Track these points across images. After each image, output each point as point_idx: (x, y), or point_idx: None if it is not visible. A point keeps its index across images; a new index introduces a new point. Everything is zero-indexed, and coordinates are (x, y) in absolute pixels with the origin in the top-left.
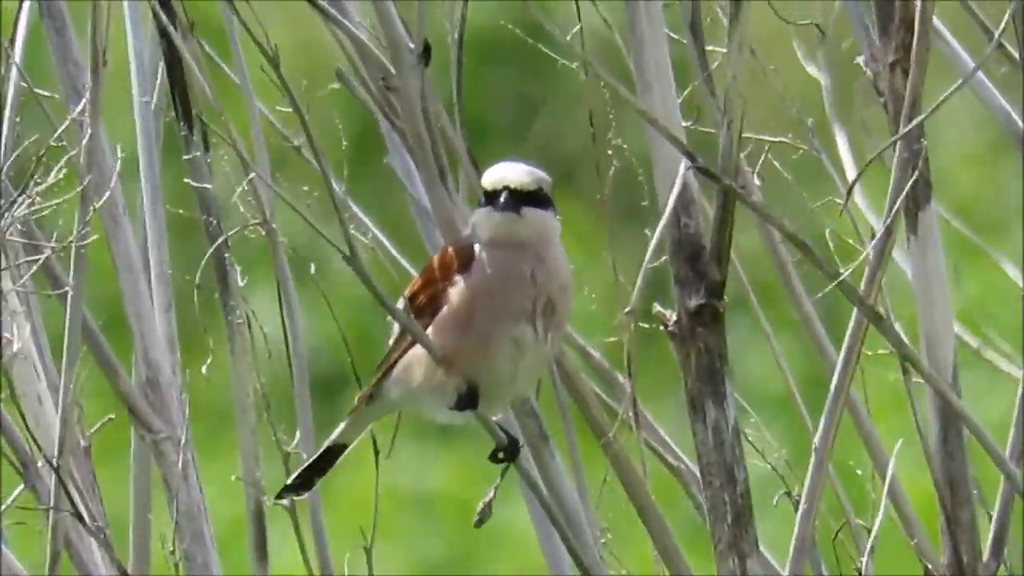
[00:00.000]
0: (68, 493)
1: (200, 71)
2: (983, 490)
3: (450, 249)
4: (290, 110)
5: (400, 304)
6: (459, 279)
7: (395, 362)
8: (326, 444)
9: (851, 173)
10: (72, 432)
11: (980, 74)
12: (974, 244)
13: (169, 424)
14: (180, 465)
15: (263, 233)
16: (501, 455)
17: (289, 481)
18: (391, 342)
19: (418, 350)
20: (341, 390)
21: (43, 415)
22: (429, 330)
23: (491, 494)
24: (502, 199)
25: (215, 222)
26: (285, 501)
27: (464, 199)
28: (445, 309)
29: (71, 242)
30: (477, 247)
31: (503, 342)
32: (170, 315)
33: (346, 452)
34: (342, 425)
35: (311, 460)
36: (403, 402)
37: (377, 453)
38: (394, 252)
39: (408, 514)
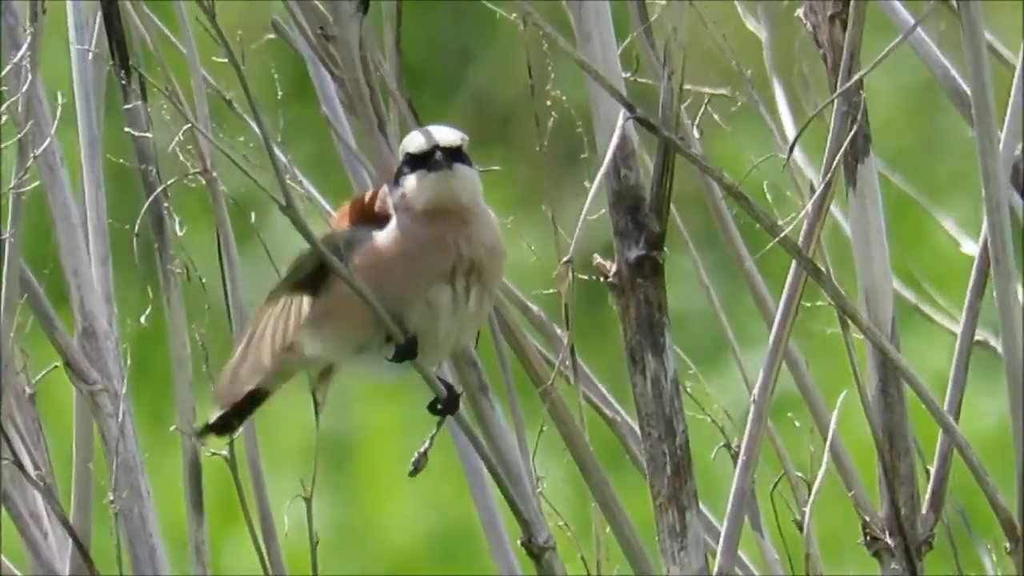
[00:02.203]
0: (8, 441)
1: (141, 19)
2: (921, 443)
3: (367, 198)
4: (226, 61)
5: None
6: (372, 236)
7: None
8: (248, 388)
9: (789, 128)
10: (10, 380)
11: (918, 28)
12: (910, 198)
13: (105, 375)
14: (119, 417)
15: (203, 183)
16: (440, 406)
17: (211, 420)
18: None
19: (341, 303)
20: None
21: None
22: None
23: (427, 443)
24: (438, 156)
25: (154, 171)
26: (224, 452)
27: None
28: (362, 260)
29: (10, 190)
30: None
31: (415, 304)
32: (107, 266)
33: (267, 400)
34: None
35: (233, 404)
36: (327, 358)
37: (316, 404)
38: (327, 205)
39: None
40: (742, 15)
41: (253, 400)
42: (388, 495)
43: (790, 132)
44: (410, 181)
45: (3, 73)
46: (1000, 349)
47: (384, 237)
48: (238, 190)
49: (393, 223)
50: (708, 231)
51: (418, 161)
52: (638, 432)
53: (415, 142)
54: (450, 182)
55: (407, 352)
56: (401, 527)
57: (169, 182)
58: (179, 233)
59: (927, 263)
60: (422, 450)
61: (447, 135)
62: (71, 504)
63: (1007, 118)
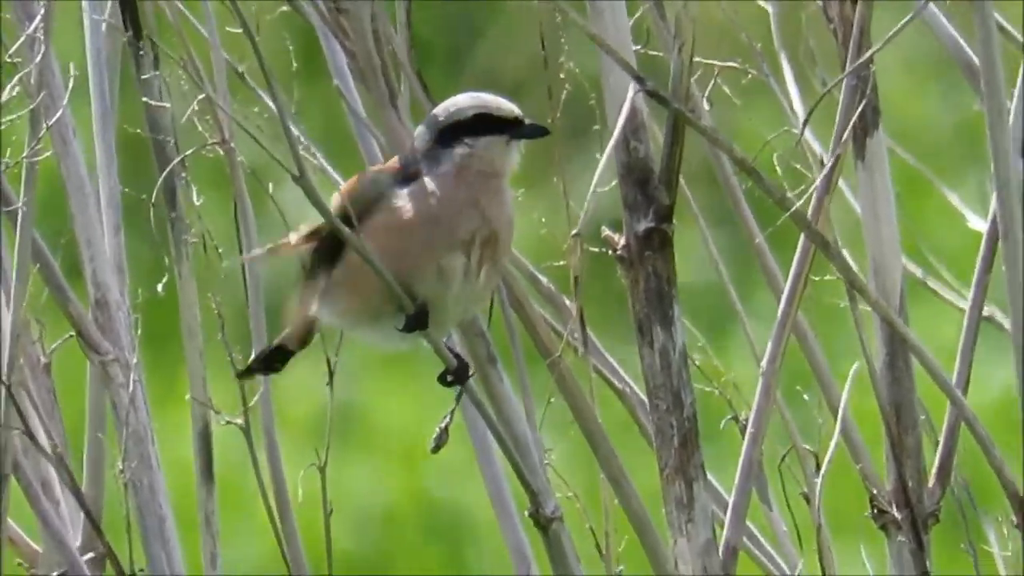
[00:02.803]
0: (20, 411)
1: None
2: (930, 415)
3: (393, 161)
4: (240, 31)
5: (335, 200)
6: (401, 194)
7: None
8: (275, 343)
9: (796, 102)
10: (24, 349)
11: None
12: (919, 172)
13: (117, 346)
14: (130, 387)
15: (221, 152)
16: (450, 378)
17: (252, 363)
18: (301, 235)
19: (354, 271)
20: None
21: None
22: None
23: (447, 419)
24: (528, 129)
25: (172, 142)
26: (239, 420)
27: (411, 121)
28: (377, 223)
29: (23, 159)
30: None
31: (428, 269)
32: (119, 237)
33: (293, 357)
34: (285, 331)
35: (268, 350)
36: (340, 326)
37: (331, 374)
38: (338, 176)
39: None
40: None
41: (280, 355)
42: (395, 463)
43: (797, 107)
44: (490, 143)
45: (19, 42)
46: (1007, 324)
47: (415, 195)
48: (252, 161)
49: (425, 181)
50: (718, 205)
51: (497, 125)
52: (647, 404)
53: (502, 106)
54: (517, 152)
55: (417, 322)
56: (405, 495)
57: (188, 152)
58: (196, 203)
59: (936, 238)
60: (443, 425)
61: (512, 105)
62: (83, 475)
63: (1015, 94)
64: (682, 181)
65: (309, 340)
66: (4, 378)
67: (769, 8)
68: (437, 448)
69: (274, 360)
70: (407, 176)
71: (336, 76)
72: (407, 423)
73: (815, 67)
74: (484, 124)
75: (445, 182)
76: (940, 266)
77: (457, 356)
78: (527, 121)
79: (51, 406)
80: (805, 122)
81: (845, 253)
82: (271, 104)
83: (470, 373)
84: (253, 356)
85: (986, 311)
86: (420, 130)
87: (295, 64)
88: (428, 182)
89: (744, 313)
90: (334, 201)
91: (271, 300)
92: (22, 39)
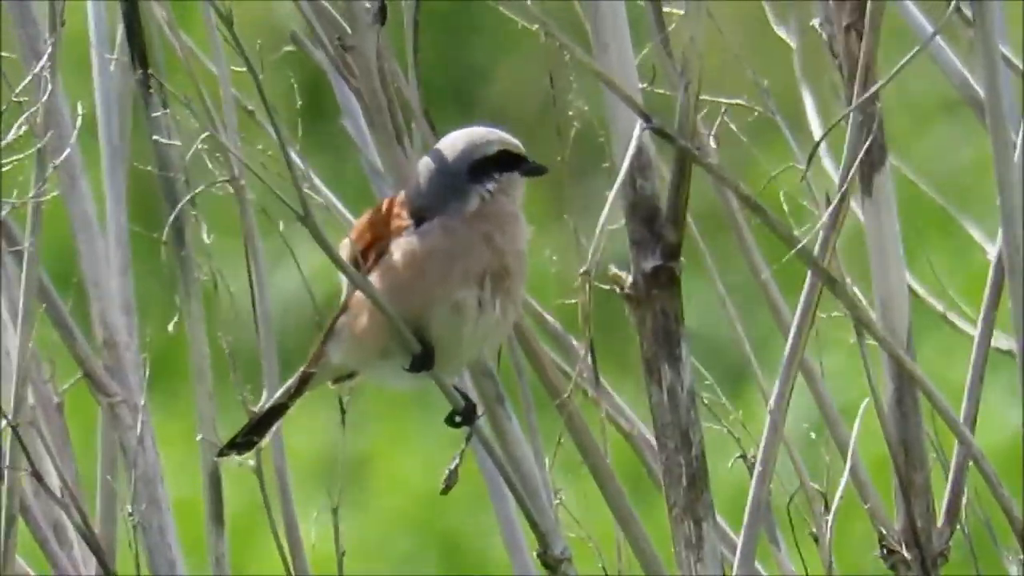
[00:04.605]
0: (27, 452)
1: (170, 28)
2: (942, 453)
3: (400, 198)
4: (244, 70)
5: (345, 246)
6: (410, 235)
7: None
8: (269, 403)
9: (818, 135)
10: (37, 389)
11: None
12: (935, 206)
13: (125, 387)
14: (138, 429)
15: (231, 191)
16: (458, 419)
17: (236, 439)
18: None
19: (362, 310)
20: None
21: (10, 374)
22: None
23: (456, 460)
24: (534, 166)
25: (183, 179)
26: (245, 458)
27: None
28: (390, 262)
29: (29, 199)
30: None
31: (442, 306)
32: (127, 277)
33: (285, 414)
34: (285, 386)
35: (255, 420)
36: (349, 365)
37: (343, 412)
38: (347, 213)
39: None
40: (772, 23)
41: (270, 418)
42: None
43: (815, 140)
44: (511, 178)
45: (26, 81)
46: None
47: (428, 233)
48: (262, 199)
49: (437, 221)
50: (725, 243)
51: (512, 161)
52: (655, 445)
53: (506, 142)
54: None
55: (423, 362)
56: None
57: (197, 190)
58: (207, 240)
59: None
60: (452, 467)
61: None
62: (96, 515)
63: (1022, 127)
64: (689, 220)
65: (303, 391)
66: (11, 419)
67: (791, 42)
68: (447, 489)
69: (261, 428)
70: (414, 212)
71: (345, 115)
72: (417, 465)
73: (838, 100)
74: (506, 159)
75: (465, 218)
76: (958, 298)
77: (465, 397)
78: (533, 163)
79: (63, 447)
80: (811, 159)
81: (856, 290)
82: (277, 141)
83: (478, 414)
84: (240, 431)
85: (1005, 345)
86: (428, 166)
87: (300, 102)
88: (444, 219)
89: (752, 352)
90: (344, 248)
91: (282, 339)
92: (28, 78)
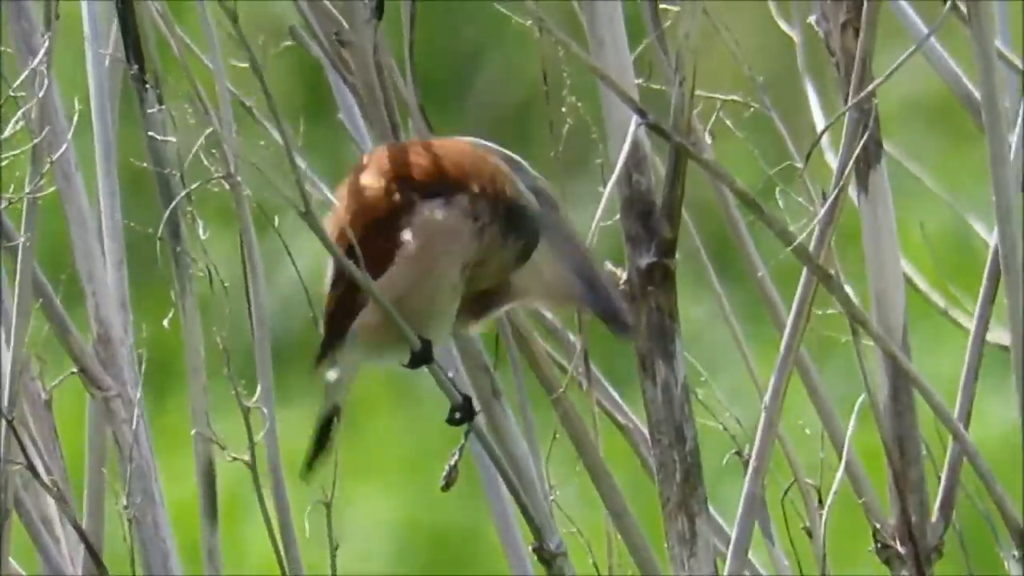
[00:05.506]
0: (22, 446)
1: (166, 24)
2: (935, 447)
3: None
4: (245, 65)
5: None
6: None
7: (342, 318)
8: (322, 417)
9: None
10: (20, 384)
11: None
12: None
13: (119, 382)
14: (133, 424)
15: (227, 187)
16: (458, 415)
17: (309, 462)
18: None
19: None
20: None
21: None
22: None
23: (456, 456)
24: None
25: (178, 175)
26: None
27: None
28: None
29: (24, 195)
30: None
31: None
32: (122, 272)
33: (341, 414)
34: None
35: (315, 438)
36: (364, 359)
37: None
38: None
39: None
40: (775, 16)
41: (328, 426)
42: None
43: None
44: None
45: (22, 77)
46: None
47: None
48: (258, 195)
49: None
50: (720, 239)
51: None
52: (649, 439)
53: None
54: None
55: (422, 358)
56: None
57: (193, 186)
58: (202, 236)
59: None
60: (452, 463)
61: None
62: (83, 509)
63: (1017, 125)
64: (685, 215)
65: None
66: (5, 413)
67: (794, 35)
68: (447, 486)
69: (324, 440)
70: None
71: (342, 110)
72: (412, 454)
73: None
74: None
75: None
76: (958, 292)
77: (461, 393)
78: None
79: (51, 442)
80: (809, 156)
81: (848, 289)
82: (278, 138)
83: (476, 410)
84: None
85: (997, 339)
86: None
87: (301, 98)
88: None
89: (747, 346)
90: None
91: (277, 335)
92: (25, 74)
